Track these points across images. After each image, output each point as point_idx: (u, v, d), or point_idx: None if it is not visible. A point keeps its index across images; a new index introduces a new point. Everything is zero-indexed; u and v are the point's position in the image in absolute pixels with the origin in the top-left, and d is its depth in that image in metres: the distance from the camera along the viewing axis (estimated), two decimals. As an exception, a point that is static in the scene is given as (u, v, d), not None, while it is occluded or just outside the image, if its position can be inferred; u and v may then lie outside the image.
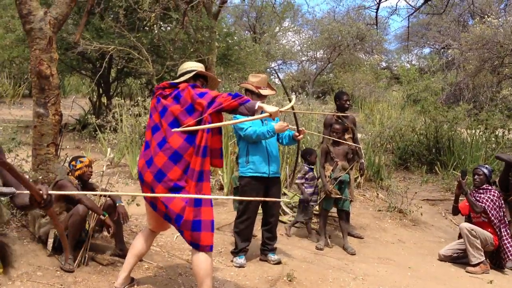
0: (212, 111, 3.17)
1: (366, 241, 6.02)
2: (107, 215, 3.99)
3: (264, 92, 4.60)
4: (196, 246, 3.22)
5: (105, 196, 4.13)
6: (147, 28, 11.30)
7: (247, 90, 4.69)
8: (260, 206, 4.83)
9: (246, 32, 25.16)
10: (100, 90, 12.83)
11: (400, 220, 6.92)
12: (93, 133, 9.58)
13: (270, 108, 3.23)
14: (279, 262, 4.70)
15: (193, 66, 3.59)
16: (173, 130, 3.13)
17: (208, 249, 3.23)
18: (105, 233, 4.25)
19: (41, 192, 2.03)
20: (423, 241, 6.36)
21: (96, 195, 4.21)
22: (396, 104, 17.47)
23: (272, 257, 4.75)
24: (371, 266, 5.08)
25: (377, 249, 5.79)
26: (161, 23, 11.32)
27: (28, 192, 2.02)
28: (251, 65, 14.34)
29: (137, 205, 4.65)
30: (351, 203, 6.14)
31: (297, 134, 4.56)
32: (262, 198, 3.32)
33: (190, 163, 3.21)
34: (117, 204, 4.10)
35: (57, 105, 4.48)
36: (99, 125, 9.12)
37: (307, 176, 5.86)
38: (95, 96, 13.17)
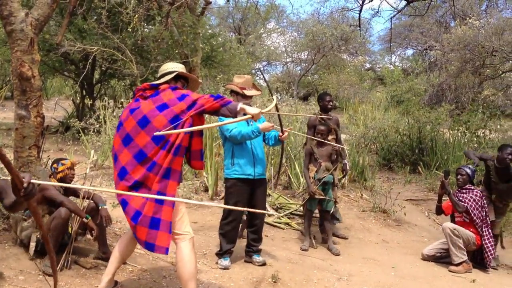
0: (194, 113, 3.16)
1: (350, 241, 6.06)
2: (90, 218, 3.95)
3: (249, 92, 4.58)
4: (151, 247, 3.16)
5: (88, 199, 4.09)
6: (131, 30, 11.23)
7: (232, 91, 4.67)
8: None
9: (231, 33, 25.17)
10: (84, 91, 12.70)
11: (384, 220, 6.98)
12: (77, 135, 9.49)
13: (252, 109, 3.23)
14: (264, 264, 4.70)
15: (173, 67, 3.57)
16: (155, 133, 3.08)
17: (164, 251, 3.16)
18: (88, 236, 4.22)
19: (23, 179, 1.92)
20: (407, 241, 6.42)
21: (78, 197, 4.17)
22: (380, 105, 17.65)
23: (257, 258, 4.74)
24: (355, 266, 5.11)
25: (362, 249, 5.83)
26: (145, 24, 11.25)
27: (8, 179, 1.93)
28: (236, 66, 14.34)
29: None
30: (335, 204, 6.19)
31: (281, 134, 4.56)
32: (247, 209, 3.31)
33: (156, 160, 3.17)
34: (100, 207, 4.07)
35: (39, 107, 4.42)
36: (82, 127, 9.04)
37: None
38: (78, 98, 13.04)
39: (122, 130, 3.31)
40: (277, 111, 4.56)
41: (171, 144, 3.18)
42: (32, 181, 1.96)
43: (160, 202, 3.13)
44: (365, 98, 18.96)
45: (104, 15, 9.06)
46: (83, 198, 4.12)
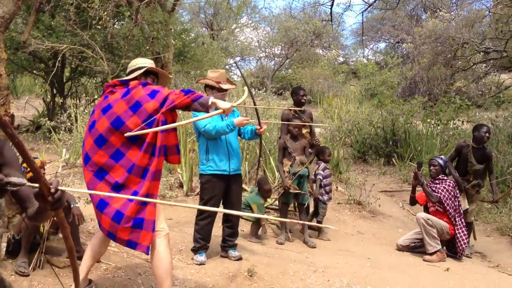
0: (165, 109, 3.11)
1: (326, 233, 6.09)
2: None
3: (225, 86, 4.56)
4: (133, 245, 3.12)
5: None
6: (100, 26, 11.05)
7: (207, 85, 4.64)
8: (221, 203, 4.79)
9: (204, 29, 25.01)
10: (54, 90, 12.46)
11: (359, 212, 7.05)
12: (48, 134, 9.31)
13: (223, 103, 3.20)
14: (240, 258, 4.70)
15: (142, 62, 3.50)
16: (126, 134, 3.02)
17: (145, 249, 3.12)
18: (61, 235, 4.13)
19: (50, 185, 1.63)
20: (382, 232, 6.50)
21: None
22: (354, 98, 17.80)
23: (233, 253, 4.74)
24: (331, 258, 5.15)
25: (337, 241, 5.88)
26: (114, 20, 11.09)
27: (36, 185, 1.64)
28: (208, 62, 14.27)
29: None
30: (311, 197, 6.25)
31: (259, 127, 4.53)
32: (225, 210, 3.28)
33: (135, 161, 3.13)
34: (72, 206, 3.99)
35: (6, 106, 4.33)
36: (53, 126, 8.86)
37: (324, 173, 6.00)
38: (49, 96, 12.78)
39: (95, 131, 3.22)
40: (254, 104, 4.56)
41: (147, 145, 3.13)
42: (60, 188, 1.69)
43: (143, 203, 3.10)
44: (339, 91, 19.10)
45: (72, 12, 8.88)
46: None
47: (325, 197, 6.00)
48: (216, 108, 3.17)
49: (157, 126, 3.10)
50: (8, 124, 1.45)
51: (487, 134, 5.94)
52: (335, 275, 4.58)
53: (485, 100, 14.93)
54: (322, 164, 6.11)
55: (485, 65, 16.82)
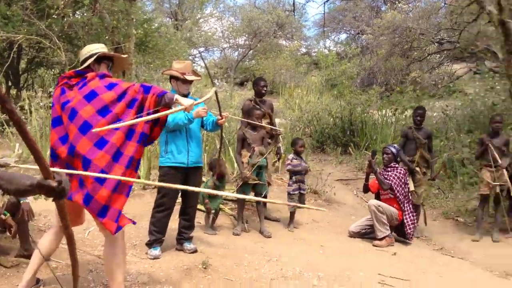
0: (145, 119, 3.06)
1: (282, 223, 6.22)
2: (8, 215, 3.81)
3: (190, 77, 4.56)
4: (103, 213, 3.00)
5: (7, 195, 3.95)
6: (57, 15, 10.79)
7: (172, 76, 4.64)
8: (179, 196, 4.82)
9: (168, 19, 24.68)
10: (9, 82, 12.12)
11: (315, 201, 7.22)
12: (0, 127, 9.06)
13: (185, 100, 3.21)
14: (195, 251, 4.71)
15: (93, 49, 3.39)
16: (93, 130, 2.94)
17: (116, 216, 3.01)
18: (8, 233, 4.07)
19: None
20: (336, 219, 6.68)
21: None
22: (315, 89, 17.99)
23: (188, 246, 4.74)
24: (286, 247, 5.26)
25: (293, 230, 6.00)
26: (73, 9, 10.84)
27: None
28: (171, 52, 14.13)
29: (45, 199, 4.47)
30: (269, 187, 6.33)
31: (219, 118, 4.55)
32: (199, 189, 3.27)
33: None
34: (21, 202, 3.93)
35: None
36: (6, 119, 8.62)
37: (292, 163, 6.10)
38: (3, 88, 12.41)
39: (61, 127, 3.16)
40: (216, 97, 4.50)
41: (135, 132, 3.13)
42: (59, 170, 1.63)
43: (115, 190, 3.00)
44: (301, 82, 19.26)
45: (29, 0, 8.66)
46: (2, 194, 3.97)
47: (292, 187, 6.09)
48: (178, 105, 3.19)
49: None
50: (7, 99, 1.38)
51: (418, 117, 6.55)
52: (288, 263, 4.68)
53: (438, 90, 15.37)
54: (291, 155, 6.22)
55: (439, 55, 17.30)
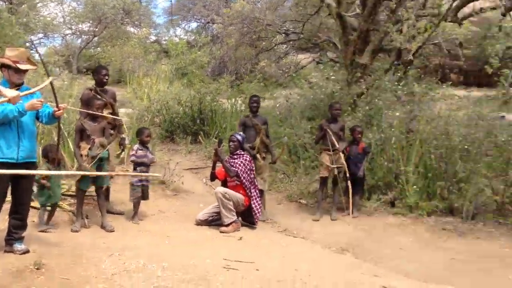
0: None
1: (126, 216, 5.99)
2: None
3: (23, 66, 4.20)
4: None
5: None
6: None
7: (3, 65, 4.21)
8: (10, 193, 4.43)
9: (1, 2, 22.25)
10: None
11: (162, 191, 7.09)
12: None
13: (10, 92, 3.00)
14: (26, 251, 4.36)
15: None
16: None
17: None
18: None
19: None
20: (184, 208, 6.63)
21: None
22: (165, 77, 17.70)
23: (19, 246, 4.38)
24: (129, 240, 5.09)
25: (138, 222, 5.80)
26: None
27: None
28: (3, 38, 12.80)
29: None
30: (111, 180, 6.05)
31: (56, 109, 4.30)
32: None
33: None
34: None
35: None
36: None
37: (137, 154, 5.87)
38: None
39: None
40: (52, 87, 4.26)
41: None
42: None
43: None
44: (150, 71, 18.78)
45: None
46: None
47: (135, 178, 5.89)
48: (1, 97, 2.87)
49: None
50: None
51: (254, 104, 6.93)
52: (131, 257, 4.50)
53: (286, 79, 16.20)
54: (136, 145, 6.03)
55: (285, 46, 18.24)
